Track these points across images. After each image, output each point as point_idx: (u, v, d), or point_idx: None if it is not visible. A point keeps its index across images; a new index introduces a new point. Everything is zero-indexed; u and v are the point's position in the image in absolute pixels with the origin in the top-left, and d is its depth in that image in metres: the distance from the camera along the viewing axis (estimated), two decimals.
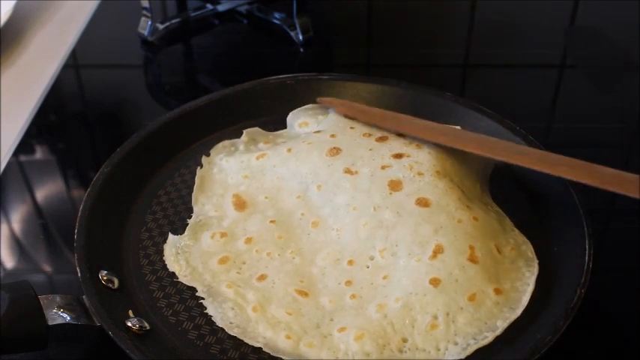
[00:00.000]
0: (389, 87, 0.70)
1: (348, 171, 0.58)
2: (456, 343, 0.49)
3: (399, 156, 0.59)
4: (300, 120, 0.68)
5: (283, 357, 0.49)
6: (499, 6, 0.98)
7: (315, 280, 0.54)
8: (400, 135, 0.62)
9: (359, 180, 0.58)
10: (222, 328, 0.51)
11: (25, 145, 0.74)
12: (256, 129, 0.68)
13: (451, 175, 0.58)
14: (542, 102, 0.80)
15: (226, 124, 0.68)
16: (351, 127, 0.64)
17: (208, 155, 0.65)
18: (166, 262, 0.56)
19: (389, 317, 0.50)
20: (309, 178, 0.60)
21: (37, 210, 0.68)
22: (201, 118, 0.68)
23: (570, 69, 0.88)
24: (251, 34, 0.94)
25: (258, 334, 0.50)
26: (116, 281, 0.53)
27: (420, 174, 0.57)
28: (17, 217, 0.66)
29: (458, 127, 0.64)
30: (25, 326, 0.48)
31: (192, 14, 0.93)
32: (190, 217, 0.60)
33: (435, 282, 0.51)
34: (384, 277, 0.52)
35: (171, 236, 0.58)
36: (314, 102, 0.70)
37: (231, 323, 0.51)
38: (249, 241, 0.57)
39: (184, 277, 0.55)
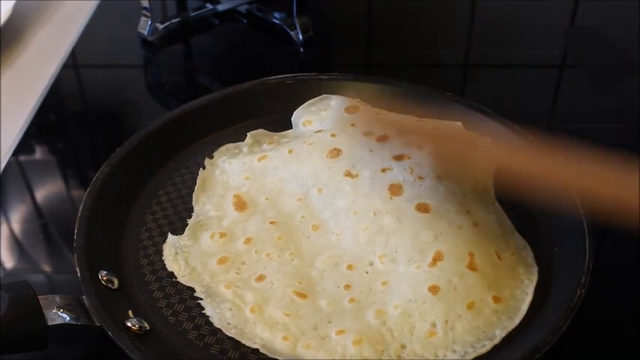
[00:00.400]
0: (389, 87, 0.70)
1: (348, 174, 0.58)
2: (454, 351, 0.49)
3: (399, 158, 0.59)
4: (304, 118, 0.68)
5: (280, 358, 0.49)
6: (499, 6, 0.98)
7: (314, 283, 0.53)
8: (402, 132, 0.62)
9: (359, 183, 0.58)
10: (221, 329, 0.51)
11: (24, 145, 0.74)
12: (260, 130, 0.68)
13: (452, 177, 0.58)
14: (542, 102, 0.80)
15: (226, 124, 0.68)
16: (352, 124, 0.63)
17: (211, 157, 0.65)
18: (165, 262, 0.56)
19: (388, 324, 0.50)
20: (310, 181, 0.60)
21: (37, 210, 0.67)
22: (201, 118, 0.68)
23: (570, 69, 0.88)
24: (251, 34, 0.94)
25: (255, 335, 0.50)
26: (116, 281, 0.53)
27: (420, 178, 0.57)
28: (17, 217, 0.66)
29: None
30: (25, 326, 0.48)
31: (192, 14, 0.93)
32: (190, 216, 0.60)
33: (434, 290, 0.51)
34: (383, 283, 0.52)
35: (170, 236, 0.58)
36: None
37: (228, 324, 0.51)
38: (248, 241, 0.56)
39: (183, 277, 0.55)
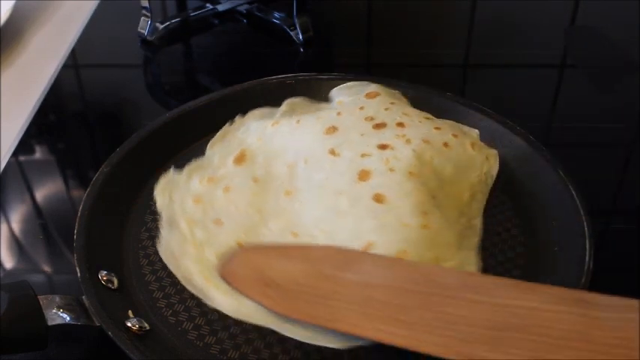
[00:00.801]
0: (389, 87, 0.70)
1: (332, 152, 0.59)
2: None
3: (384, 147, 0.59)
4: (339, 99, 0.69)
5: (191, 290, 0.53)
6: (499, 6, 0.98)
7: (259, 239, 0.56)
8: (400, 124, 0.61)
9: (338, 163, 0.58)
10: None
11: (24, 145, 0.74)
12: (300, 99, 0.69)
13: (428, 178, 0.57)
14: (542, 102, 0.80)
15: (226, 124, 0.68)
16: (361, 108, 0.64)
17: (243, 116, 0.68)
18: (155, 192, 0.60)
19: None
20: (303, 152, 0.61)
21: (37, 210, 0.68)
22: (201, 118, 0.68)
23: (570, 69, 0.88)
24: (251, 34, 0.94)
25: (185, 266, 0.54)
26: (116, 281, 0.53)
27: (391, 170, 0.57)
28: (17, 217, 0.66)
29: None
30: (25, 326, 0.48)
31: (192, 14, 0.93)
32: None
33: None
34: None
35: (171, 170, 0.62)
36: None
37: (170, 251, 0.56)
38: (226, 190, 0.59)
39: (160, 206, 0.59)
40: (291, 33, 0.88)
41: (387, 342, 0.44)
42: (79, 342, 0.53)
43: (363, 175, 0.57)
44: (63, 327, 0.49)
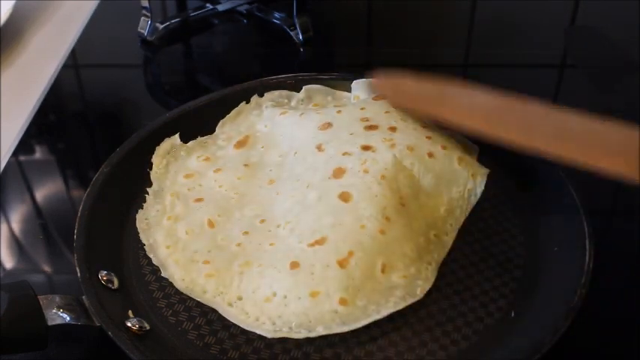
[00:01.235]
0: None
1: (319, 147, 0.60)
2: (274, 324, 0.50)
3: (366, 148, 0.59)
4: (356, 93, 0.69)
5: (153, 260, 0.55)
6: (499, 6, 0.98)
7: (229, 221, 0.57)
8: (392, 129, 0.61)
9: (320, 158, 0.59)
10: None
11: (24, 145, 0.74)
12: (319, 86, 0.70)
13: (402, 184, 0.57)
14: (542, 102, 0.80)
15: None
16: (362, 108, 0.64)
17: (261, 96, 0.69)
18: (154, 156, 0.63)
19: (244, 275, 0.53)
20: (296, 144, 0.62)
21: (37, 210, 0.68)
22: (201, 118, 0.68)
23: (570, 69, 0.88)
24: (251, 34, 0.94)
25: (155, 236, 0.57)
26: (116, 281, 0.53)
27: (365, 171, 0.56)
28: (17, 217, 0.66)
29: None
30: (25, 326, 0.48)
31: (192, 14, 0.93)
32: None
33: (293, 265, 0.52)
34: (271, 244, 0.55)
35: (177, 137, 0.65)
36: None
37: (146, 219, 0.59)
38: (217, 171, 0.62)
39: (154, 174, 0.62)
40: (291, 33, 0.88)
41: (479, 132, 0.58)
42: (79, 342, 0.53)
43: (338, 173, 0.57)
44: (63, 327, 0.49)
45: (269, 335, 0.50)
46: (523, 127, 0.58)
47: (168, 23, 0.91)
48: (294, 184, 0.58)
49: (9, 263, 0.61)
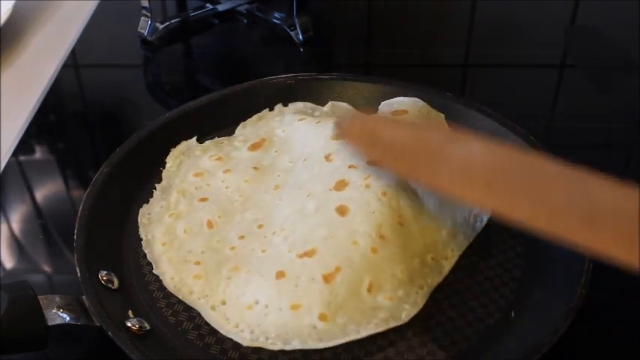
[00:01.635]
0: (389, 87, 0.70)
1: (327, 157, 0.59)
2: (252, 332, 0.50)
3: (373, 162, 0.57)
4: (383, 109, 0.67)
5: (148, 256, 0.56)
6: (499, 6, 0.98)
7: (229, 224, 0.57)
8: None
9: (327, 168, 0.58)
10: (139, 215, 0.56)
11: (24, 145, 0.74)
12: (344, 104, 0.70)
13: (403, 204, 0.55)
14: (542, 102, 0.80)
15: (226, 124, 0.68)
16: None
17: (286, 105, 0.69)
18: (168, 157, 0.64)
19: (231, 280, 0.52)
20: (306, 152, 0.61)
21: (37, 210, 0.68)
22: (201, 118, 0.68)
23: (570, 69, 0.88)
24: (251, 34, 0.94)
25: (152, 232, 0.57)
26: (116, 281, 0.53)
27: (367, 186, 0.55)
28: (17, 217, 0.66)
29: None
30: (25, 326, 0.48)
31: (192, 14, 0.93)
32: None
33: (279, 275, 0.51)
34: (263, 251, 0.54)
35: (193, 140, 0.66)
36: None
37: (149, 214, 0.59)
38: (226, 172, 0.61)
39: (166, 172, 0.63)
40: (291, 33, 0.88)
41: (481, 204, 0.49)
42: (79, 342, 0.53)
43: (340, 185, 0.56)
44: (63, 327, 0.49)
45: (244, 343, 0.49)
46: (541, 201, 0.45)
47: (168, 23, 0.91)
48: (297, 191, 0.58)
49: (9, 263, 0.61)
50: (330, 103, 0.70)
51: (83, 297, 0.50)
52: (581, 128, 0.75)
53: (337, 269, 0.50)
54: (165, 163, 0.64)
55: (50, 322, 0.48)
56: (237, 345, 0.50)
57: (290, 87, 0.71)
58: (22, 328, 0.48)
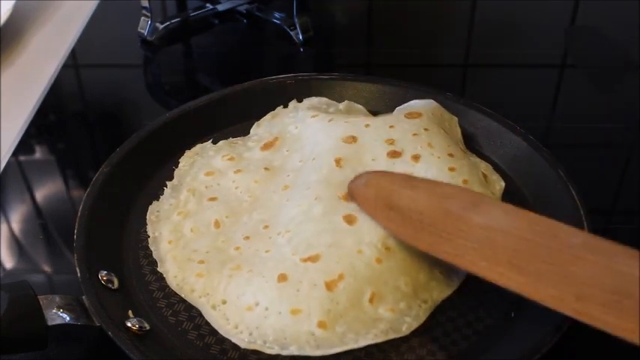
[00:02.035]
0: (389, 87, 0.70)
1: (337, 161, 0.59)
2: (251, 334, 0.50)
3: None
4: (398, 109, 0.67)
5: (154, 254, 0.56)
6: (499, 6, 0.98)
7: (236, 224, 0.57)
8: (415, 157, 0.59)
9: (336, 174, 0.58)
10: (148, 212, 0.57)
11: (24, 145, 0.74)
12: (360, 106, 0.69)
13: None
14: (542, 102, 0.80)
15: (226, 124, 0.68)
16: (391, 126, 0.62)
17: (300, 101, 0.69)
18: (183, 156, 0.64)
19: (232, 279, 0.52)
20: (316, 151, 0.61)
21: (37, 210, 0.68)
22: (201, 118, 0.68)
23: (570, 69, 0.88)
24: (251, 34, 0.94)
25: (160, 229, 0.57)
26: (116, 281, 0.53)
27: None
28: (17, 217, 0.66)
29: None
30: (25, 326, 0.48)
31: (192, 14, 0.93)
32: None
33: (281, 278, 0.51)
34: (267, 251, 0.54)
35: (208, 143, 0.66)
36: None
37: (157, 211, 0.59)
38: (237, 172, 0.61)
39: (178, 171, 0.63)
40: (291, 33, 0.88)
41: (503, 285, 0.45)
42: (79, 342, 0.53)
43: (349, 197, 0.56)
44: (63, 327, 0.49)
45: (242, 345, 0.49)
46: (567, 281, 0.44)
47: (168, 23, 0.91)
48: (305, 192, 0.57)
49: (9, 263, 0.61)
50: (346, 102, 0.70)
51: (83, 297, 0.50)
52: (581, 128, 0.75)
53: (340, 277, 0.50)
54: (167, 163, 0.64)
55: (50, 322, 0.48)
56: (236, 345, 0.50)
57: (290, 87, 0.71)
58: (22, 328, 0.48)
